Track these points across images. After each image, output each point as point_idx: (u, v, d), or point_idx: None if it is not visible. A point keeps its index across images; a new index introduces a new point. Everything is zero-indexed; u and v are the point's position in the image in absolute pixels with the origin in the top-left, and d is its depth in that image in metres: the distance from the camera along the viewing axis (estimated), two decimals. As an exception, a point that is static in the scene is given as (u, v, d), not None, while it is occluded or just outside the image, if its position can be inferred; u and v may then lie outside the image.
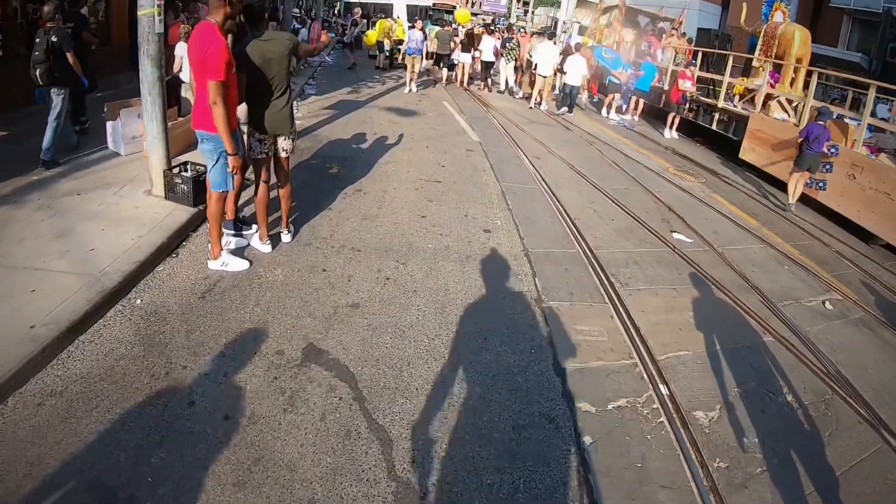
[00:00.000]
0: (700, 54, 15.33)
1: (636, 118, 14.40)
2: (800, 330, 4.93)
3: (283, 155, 4.70)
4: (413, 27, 14.35)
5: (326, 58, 19.27)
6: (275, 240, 5.00)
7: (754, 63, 14.11)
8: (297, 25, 15.75)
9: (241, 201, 5.28)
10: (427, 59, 17.59)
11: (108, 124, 6.58)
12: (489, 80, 16.61)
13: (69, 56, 5.99)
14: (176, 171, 5.37)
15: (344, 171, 7.14)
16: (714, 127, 13.13)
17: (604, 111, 14.45)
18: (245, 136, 4.62)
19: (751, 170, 10.97)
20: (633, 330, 4.50)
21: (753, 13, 15.93)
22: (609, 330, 4.50)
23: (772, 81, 12.57)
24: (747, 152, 11.09)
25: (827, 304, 5.58)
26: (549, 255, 5.60)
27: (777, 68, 12.96)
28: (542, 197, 7.25)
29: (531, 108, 14.05)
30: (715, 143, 12.90)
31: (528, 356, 3.99)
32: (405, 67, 17.69)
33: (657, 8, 24.00)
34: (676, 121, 13.01)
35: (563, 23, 26.47)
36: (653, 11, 22.68)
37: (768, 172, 10.39)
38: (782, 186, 9.31)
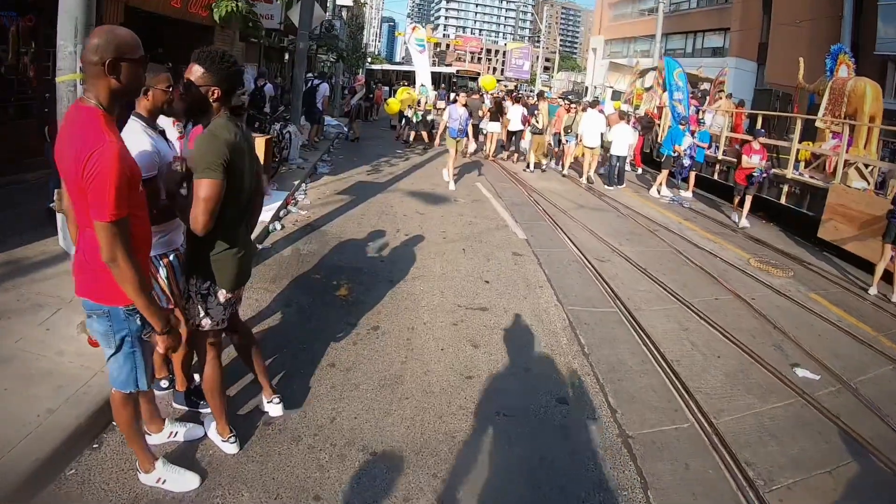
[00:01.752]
0: (760, 119, 13.64)
1: (689, 194, 12.69)
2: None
3: (237, 308, 3.11)
4: (454, 102, 12.03)
5: (345, 128, 18.11)
6: (247, 424, 3.28)
7: (818, 124, 12.42)
8: (317, 81, 14.29)
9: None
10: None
11: (59, 217, 5.06)
12: (517, 150, 15.26)
13: None
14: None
15: (356, 293, 5.41)
16: (784, 201, 11.26)
17: (654, 190, 12.70)
18: (194, 293, 2.87)
19: (830, 249, 9.16)
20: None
21: (812, 68, 14.27)
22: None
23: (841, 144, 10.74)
24: (829, 231, 9.23)
25: None
26: (658, 441, 3.72)
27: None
28: (622, 328, 5.38)
29: (585, 185, 12.62)
30: (781, 219, 11.02)
31: None
32: (424, 139, 16.46)
33: (696, 68, 22.75)
34: (746, 205, 10.79)
35: (595, 88, 25.13)
36: (693, 72, 21.25)
37: (855, 253, 8.61)
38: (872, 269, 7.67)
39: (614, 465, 3.42)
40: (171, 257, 2.97)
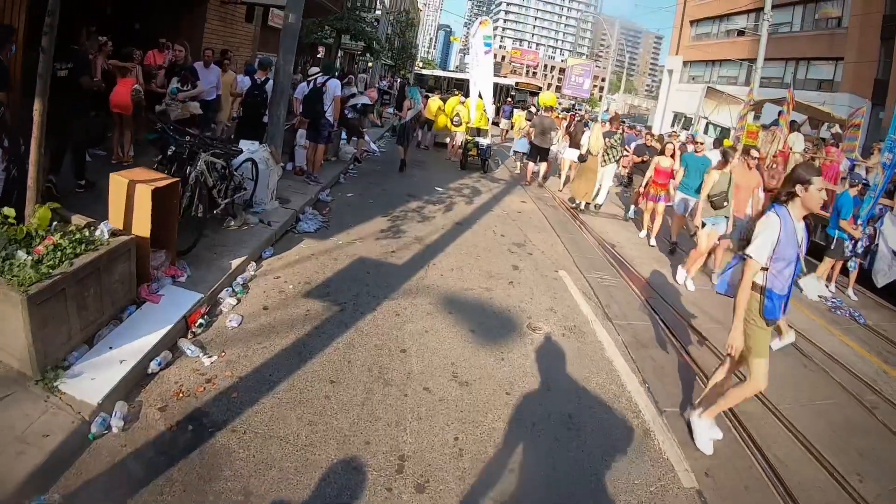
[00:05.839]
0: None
1: (851, 292, 8.16)
2: None
3: None
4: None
5: (373, 145, 13.86)
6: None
7: None
8: (323, 78, 9.91)
9: None
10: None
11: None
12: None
13: None
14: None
15: None
16: None
17: (812, 288, 7.95)
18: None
19: None
20: None
21: None
22: None
23: None
24: None
25: None
26: None
27: None
28: None
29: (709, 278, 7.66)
30: None
31: None
32: (479, 167, 12.75)
33: (818, 102, 17.95)
34: None
35: (689, 118, 19.52)
36: (817, 107, 16.29)
37: None
38: None
39: None
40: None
